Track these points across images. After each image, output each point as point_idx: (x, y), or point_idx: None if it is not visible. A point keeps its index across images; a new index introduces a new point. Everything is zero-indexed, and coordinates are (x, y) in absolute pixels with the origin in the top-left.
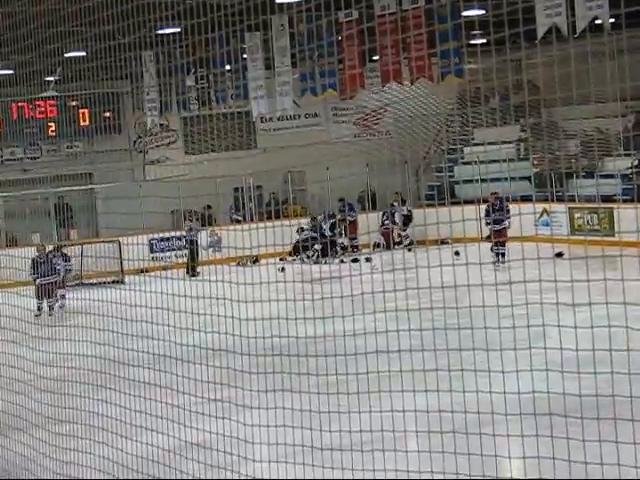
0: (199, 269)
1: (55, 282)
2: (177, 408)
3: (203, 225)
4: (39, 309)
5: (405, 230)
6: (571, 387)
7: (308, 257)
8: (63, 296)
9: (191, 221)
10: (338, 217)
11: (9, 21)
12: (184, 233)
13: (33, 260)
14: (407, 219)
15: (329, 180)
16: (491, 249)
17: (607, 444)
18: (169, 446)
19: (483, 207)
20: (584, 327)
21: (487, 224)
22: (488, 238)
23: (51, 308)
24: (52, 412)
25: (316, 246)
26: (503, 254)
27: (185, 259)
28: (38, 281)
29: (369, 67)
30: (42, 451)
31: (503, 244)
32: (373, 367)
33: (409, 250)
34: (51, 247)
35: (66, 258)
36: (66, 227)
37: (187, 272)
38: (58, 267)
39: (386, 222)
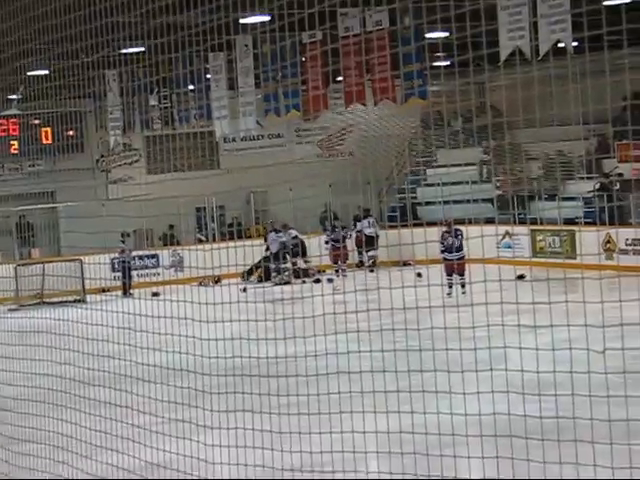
0: (158, 289)
1: None
2: (137, 428)
3: (170, 245)
4: None
5: (369, 251)
6: (532, 409)
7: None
8: None
9: (123, 242)
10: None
11: None
12: (117, 255)
13: None
14: (371, 240)
15: (292, 200)
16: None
17: (567, 466)
18: (129, 466)
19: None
20: (545, 349)
21: (442, 252)
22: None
23: None
24: (12, 431)
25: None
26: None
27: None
28: None
29: (333, 88)
30: (2, 470)
31: (463, 273)
32: (334, 388)
33: (371, 271)
34: None
35: None
36: (28, 246)
37: (124, 293)
38: None
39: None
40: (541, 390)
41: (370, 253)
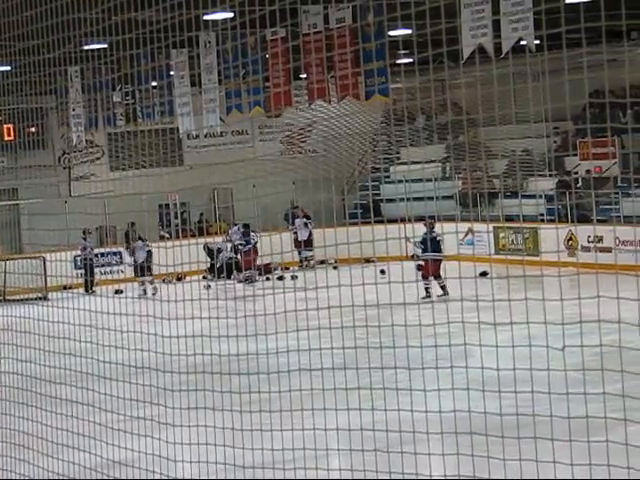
0: (120, 286)
1: None
2: (100, 426)
3: (131, 242)
4: None
5: (311, 250)
6: (492, 406)
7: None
8: None
9: (85, 239)
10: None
11: None
12: (79, 252)
13: None
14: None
15: (255, 197)
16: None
17: (527, 463)
18: (92, 464)
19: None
20: (505, 346)
21: (423, 252)
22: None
23: None
24: None
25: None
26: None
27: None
28: None
29: (296, 85)
30: None
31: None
32: (296, 385)
33: (334, 268)
34: None
35: None
36: None
37: (86, 290)
38: None
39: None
40: (501, 387)
41: (309, 253)
